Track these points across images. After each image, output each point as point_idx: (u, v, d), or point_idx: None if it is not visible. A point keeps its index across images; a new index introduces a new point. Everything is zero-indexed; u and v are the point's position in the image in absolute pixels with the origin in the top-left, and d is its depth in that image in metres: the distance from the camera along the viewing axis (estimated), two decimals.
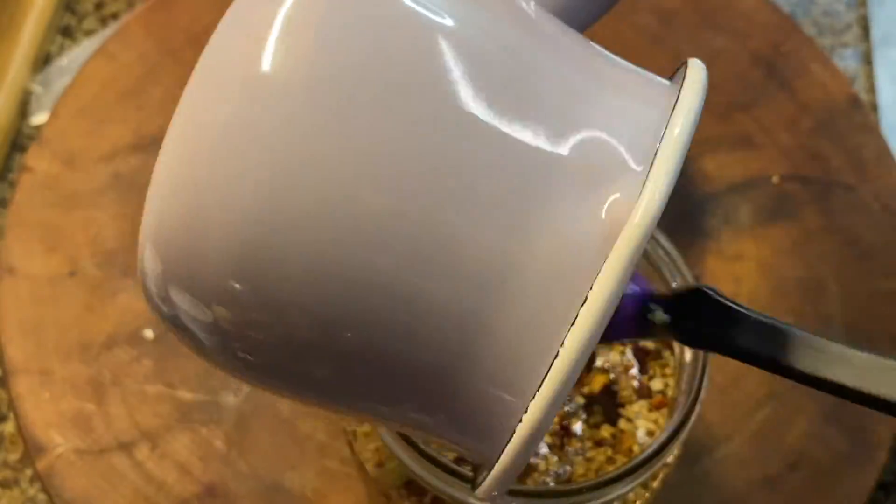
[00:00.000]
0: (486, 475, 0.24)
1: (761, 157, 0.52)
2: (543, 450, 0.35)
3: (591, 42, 0.26)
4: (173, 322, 0.24)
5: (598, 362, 0.37)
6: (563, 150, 0.23)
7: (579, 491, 0.32)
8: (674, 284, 0.35)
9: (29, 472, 0.45)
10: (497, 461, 0.23)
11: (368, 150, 0.22)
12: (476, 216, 0.22)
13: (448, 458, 0.32)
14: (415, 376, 0.23)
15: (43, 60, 0.56)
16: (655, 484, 0.35)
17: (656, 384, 0.36)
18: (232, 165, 0.22)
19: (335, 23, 0.22)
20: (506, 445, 0.23)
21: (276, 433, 0.44)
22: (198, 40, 0.27)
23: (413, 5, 0.23)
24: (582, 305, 0.22)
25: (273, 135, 0.22)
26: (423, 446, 0.32)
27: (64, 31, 0.56)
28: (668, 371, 0.36)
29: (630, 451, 0.35)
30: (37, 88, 0.55)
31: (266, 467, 0.43)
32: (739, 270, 0.49)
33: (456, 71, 0.22)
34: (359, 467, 0.37)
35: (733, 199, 0.50)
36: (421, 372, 0.23)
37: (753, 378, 0.45)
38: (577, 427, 0.35)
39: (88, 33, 0.56)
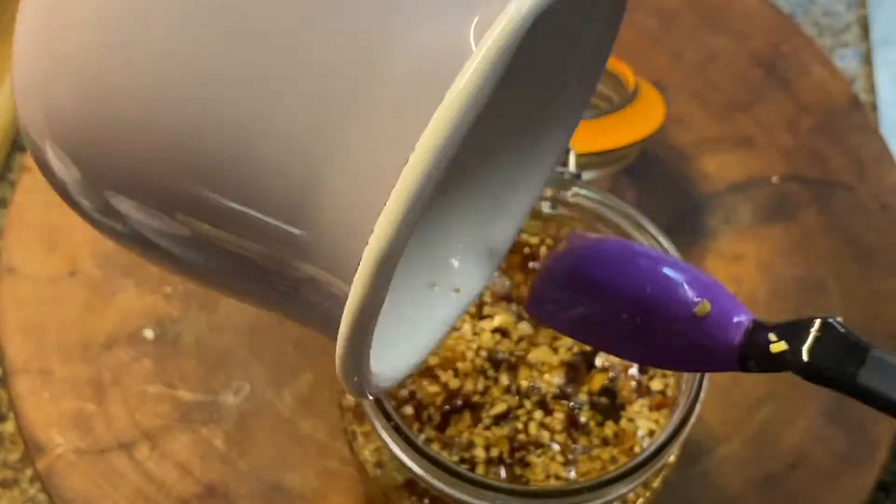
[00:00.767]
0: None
1: (761, 157, 0.52)
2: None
3: None
4: (44, 168, 0.26)
5: (598, 362, 0.37)
6: None
7: (579, 491, 0.32)
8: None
9: (29, 472, 0.45)
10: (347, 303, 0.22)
11: None
12: (334, 30, 0.22)
13: (448, 458, 0.32)
14: (266, 209, 0.23)
15: None
16: (656, 484, 0.35)
17: (656, 384, 0.36)
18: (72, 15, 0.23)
19: None
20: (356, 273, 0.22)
21: (276, 433, 0.44)
22: None
23: None
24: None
25: None
26: (423, 446, 0.32)
27: None
28: (667, 371, 0.36)
29: (631, 450, 0.35)
30: None
31: (266, 467, 0.43)
32: (739, 270, 0.49)
33: None
34: (359, 467, 0.37)
35: (733, 199, 0.50)
36: (273, 203, 0.23)
37: (753, 378, 0.45)
38: (583, 420, 0.35)
39: None
